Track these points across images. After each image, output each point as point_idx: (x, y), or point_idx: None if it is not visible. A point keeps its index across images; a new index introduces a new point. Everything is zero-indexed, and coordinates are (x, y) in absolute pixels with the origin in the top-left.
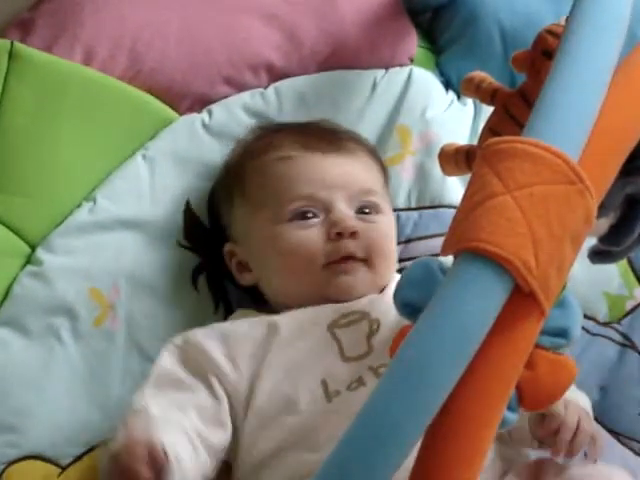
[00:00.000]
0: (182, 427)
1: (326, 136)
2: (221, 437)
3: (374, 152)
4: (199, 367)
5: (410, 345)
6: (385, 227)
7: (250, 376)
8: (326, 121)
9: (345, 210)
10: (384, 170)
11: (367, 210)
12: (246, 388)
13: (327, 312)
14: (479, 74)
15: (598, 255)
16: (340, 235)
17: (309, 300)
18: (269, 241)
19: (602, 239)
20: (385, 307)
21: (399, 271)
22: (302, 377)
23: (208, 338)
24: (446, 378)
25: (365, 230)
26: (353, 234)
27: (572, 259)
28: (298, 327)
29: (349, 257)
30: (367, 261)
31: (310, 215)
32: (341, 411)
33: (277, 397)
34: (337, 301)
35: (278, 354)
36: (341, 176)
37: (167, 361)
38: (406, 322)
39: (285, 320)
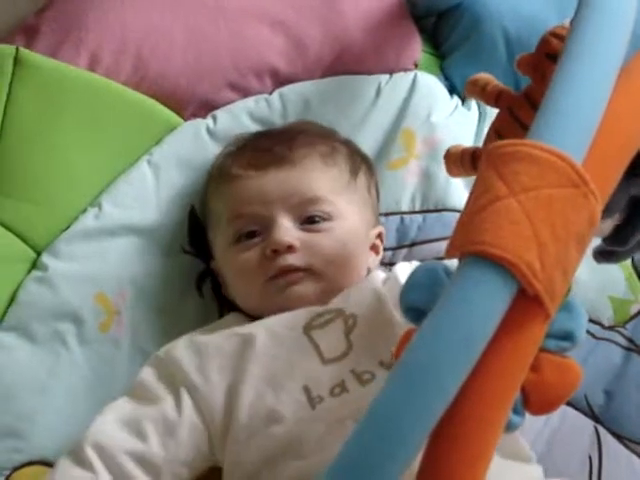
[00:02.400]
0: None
1: (276, 148)
2: (177, 451)
3: (336, 151)
4: (172, 379)
5: (415, 349)
6: (338, 232)
7: (226, 390)
8: (301, 123)
9: (285, 225)
10: (356, 165)
11: (316, 219)
12: (222, 402)
13: (301, 314)
14: (484, 76)
15: (603, 255)
16: (276, 252)
17: (272, 312)
18: (224, 262)
19: (606, 239)
20: (358, 301)
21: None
22: (283, 385)
23: (185, 350)
24: (451, 382)
25: (309, 241)
26: (289, 248)
27: (577, 262)
28: (273, 335)
29: (288, 270)
30: (310, 270)
31: (254, 234)
32: (326, 418)
33: (261, 409)
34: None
35: (256, 366)
36: (280, 191)
37: (145, 371)
38: (377, 310)
39: (259, 330)
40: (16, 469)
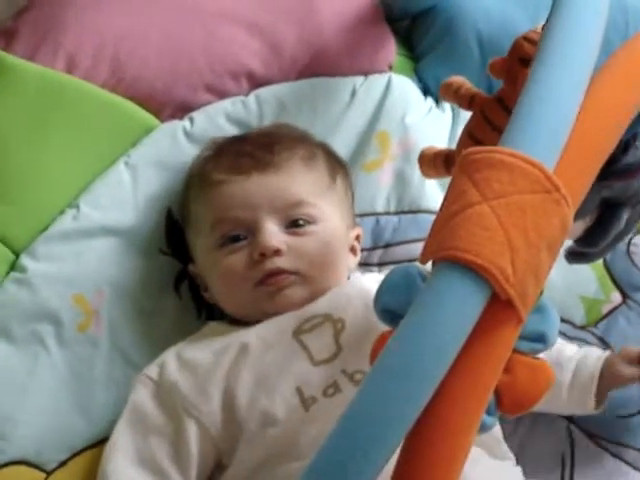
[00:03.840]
0: None
1: (257, 152)
2: (194, 474)
3: (315, 154)
4: (173, 405)
5: (389, 354)
6: (322, 235)
7: (222, 398)
8: (278, 126)
9: (271, 229)
10: (334, 168)
11: (300, 222)
12: (221, 412)
13: (289, 320)
14: (457, 79)
15: (574, 256)
16: (263, 256)
17: (259, 317)
18: (208, 267)
19: (578, 241)
20: (347, 304)
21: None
22: (276, 388)
23: (179, 373)
24: (425, 386)
25: (295, 244)
26: (277, 252)
27: (549, 266)
28: (264, 342)
29: (276, 273)
30: (297, 273)
31: (239, 238)
32: (320, 418)
33: (255, 412)
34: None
35: (249, 371)
36: (265, 196)
37: (142, 396)
38: (365, 314)
39: (251, 338)
40: None
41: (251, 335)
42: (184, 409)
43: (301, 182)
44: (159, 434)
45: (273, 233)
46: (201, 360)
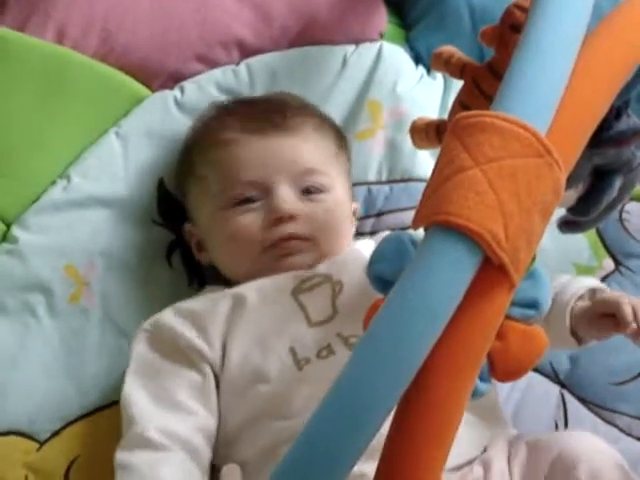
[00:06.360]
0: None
1: (271, 114)
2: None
3: (324, 122)
4: (176, 349)
5: (381, 319)
6: (331, 203)
7: (221, 348)
8: (281, 94)
9: (286, 193)
10: (340, 137)
11: (312, 190)
12: (220, 361)
13: (288, 279)
14: (448, 48)
15: (567, 225)
16: (279, 220)
17: (257, 278)
18: (214, 226)
19: (570, 210)
20: (346, 268)
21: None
22: (270, 345)
23: (177, 320)
24: (417, 351)
25: (308, 211)
26: (292, 217)
27: (541, 231)
28: (263, 296)
29: (290, 237)
30: (311, 240)
31: (251, 200)
32: (312, 379)
33: (247, 367)
34: None
35: (245, 324)
36: (282, 158)
37: (142, 349)
38: (363, 279)
39: (249, 291)
40: None
41: (250, 288)
42: (190, 350)
43: (314, 149)
44: (168, 375)
45: (289, 198)
46: (197, 307)
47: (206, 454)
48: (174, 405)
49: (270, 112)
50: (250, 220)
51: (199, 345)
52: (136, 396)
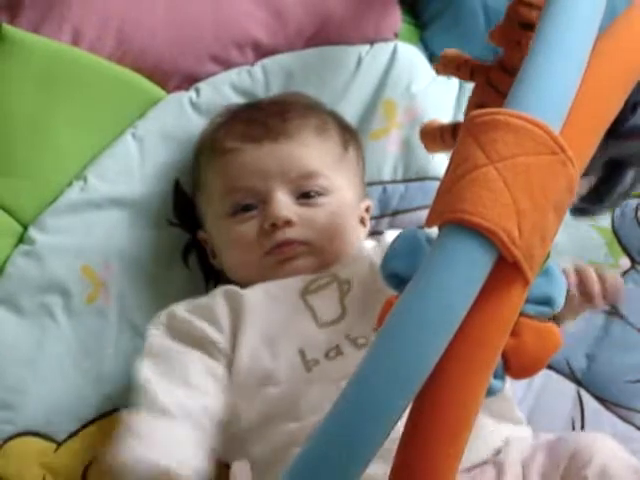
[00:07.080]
0: (187, 413)
1: (269, 120)
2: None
3: (328, 124)
4: (191, 337)
5: (396, 317)
6: (333, 207)
7: (232, 342)
8: (292, 94)
9: (282, 199)
10: (346, 138)
11: (311, 194)
12: (231, 353)
13: (296, 282)
14: (452, 53)
15: (579, 210)
16: (274, 226)
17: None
18: (217, 234)
19: (582, 198)
20: (353, 267)
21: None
22: (279, 347)
23: (190, 312)
24: (432, 349)
25: (306, 216)
26: (288, 223)
27: (555, 228)
28: (271, 297)
29: (286, 243)
30: (307, 244)
31: (250, 208)
32: (321, 380)
33: (256, 369)
34: None
35: (254, 323)
36: (278, 165)
37: (155, 338)
38: (371, 278)
39: (257, 292)
40: (7, 440)
41: (259, 288)
42: (204, 338)
43: (314, 152)
44: (189, 357)
45: (284, 204)
46: (209, 303)
47: (211, 432)
48: (186, 383)
49: (270, 117)
50: (248, 227)
51: (213, 336)
52: (148, 373)
